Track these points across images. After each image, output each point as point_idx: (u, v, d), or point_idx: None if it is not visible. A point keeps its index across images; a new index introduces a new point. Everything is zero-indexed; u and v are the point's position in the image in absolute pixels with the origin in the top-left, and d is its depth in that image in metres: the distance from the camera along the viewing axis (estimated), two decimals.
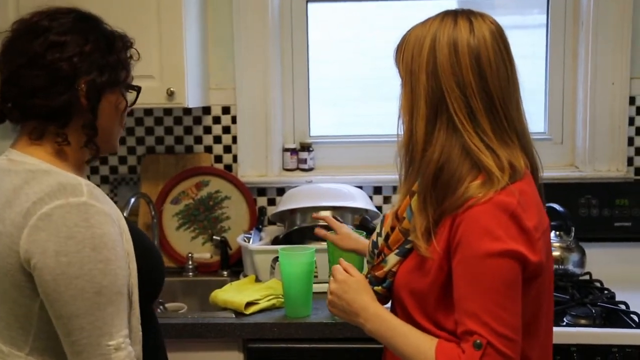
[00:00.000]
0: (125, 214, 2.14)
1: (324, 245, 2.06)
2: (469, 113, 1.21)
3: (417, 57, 1.24)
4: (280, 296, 1.96)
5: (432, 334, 1.23)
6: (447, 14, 1.26)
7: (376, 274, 1.35)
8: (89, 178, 1.38)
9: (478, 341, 1.14)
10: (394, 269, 1.32)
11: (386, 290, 1.34)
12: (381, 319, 1.27)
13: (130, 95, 1.31)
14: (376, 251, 1.38)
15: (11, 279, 1.14)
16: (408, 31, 1.29)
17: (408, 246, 1.29)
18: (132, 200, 2.24)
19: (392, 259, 1.32)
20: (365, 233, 1.84)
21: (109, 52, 1.23)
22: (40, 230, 1.10)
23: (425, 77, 1.22)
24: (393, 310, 1.35)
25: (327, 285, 1.95)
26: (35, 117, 1.20)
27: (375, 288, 1.35)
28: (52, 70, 1.18)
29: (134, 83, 1.32)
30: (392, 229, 1.34)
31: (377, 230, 1.40)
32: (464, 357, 1.15)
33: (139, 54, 1.31)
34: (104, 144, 1.26)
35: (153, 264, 1.34)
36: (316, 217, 2.01)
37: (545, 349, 1.30)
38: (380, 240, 1.37)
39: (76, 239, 1.10)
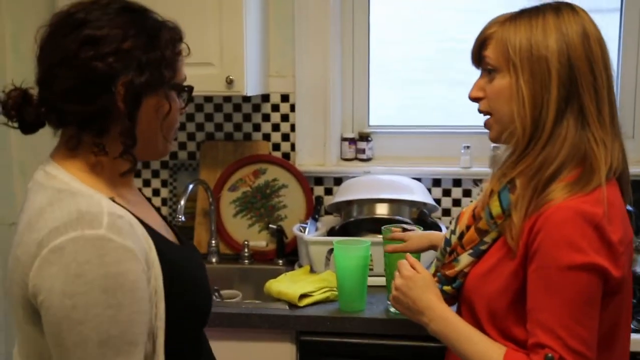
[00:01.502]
0: (183, 201, 2.17)
1: (379, 238, 2.03)
2: (597, 103, 1.19)
3: (541, 43, 1.18)
4: (335, 289, 1.94)
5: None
6: (550, 5, 1.23)
7: (446, 272, 1.31)
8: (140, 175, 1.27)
9: (550, 355, 1.09)
10: (465, 270, 1.28)
11: (455, 291, 1.31)
12: (447, 320, 1.24)
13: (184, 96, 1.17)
14: (448, 249, 1.34)
15: (23, 311, 1.04)
16: (495, 22, 1.25)
17: (483, 247, 1.25)
18: (191, 186, 2.25)
19: (465, 259, 1.28)
20: (422, 228, 1.79)
21: (151, 48, 1.07)
22: (50, 264, 0.97)
23: (558, 63, 1.18)
24: (459, 312, 1.31)
25: (382, 279, 1.95)
26: (72, 124, 1.08)
27: (444, 287, 1.31)
28: (86, 71, 1.04)
29: (187, 72, 1.17)
30: (468, 227, 1.29)
31: (452, 227, 1.36)
32: None
33: (189, 48, 1.16)
34: (144, 151, 1.12)
35: (199, 297, 1.19)
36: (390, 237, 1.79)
37: None
38: (454, 239, 1.33)
39: (85, 278, 0.96)
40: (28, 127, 1.12)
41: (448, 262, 1.32)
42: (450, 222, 1.39)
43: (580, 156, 1.18)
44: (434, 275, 1.35)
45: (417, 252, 1.69)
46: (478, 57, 1.29)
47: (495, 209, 1.22)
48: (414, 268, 1.32)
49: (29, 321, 1.04)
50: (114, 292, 0.97)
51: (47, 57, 1.08)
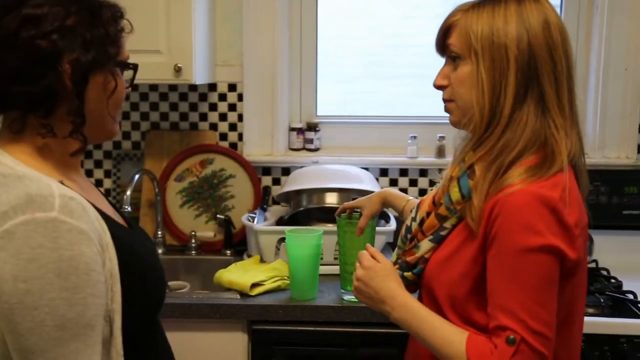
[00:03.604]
0: (129, 191, 2.12)
1: (330, 227, 2.05)
2: (556, 90, 1.20)
3: (501, 30, 1.20)
4: (286, 277, 1.95)
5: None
6: None
7: (407, 259, 1.32)
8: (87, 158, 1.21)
9: (511, 337, 1.11)
10: (426, 256, 1.29)
11: (416, 277, 1.32)
12: (408, 307, 1.24)
13: (127, 74, 1.16)
14: (409, 236, 1.35)
15: None
16: (458, 10, 1.26)
17: (443, 233, 1.27)
18: (137, 176, 2.21)
19: (426, 245, 1.29)
20: (376, 218, 1.81)
21: (94, 25, 1.06)
22: (0, 249, 0.95)
23: (517, 50, 1.19)
24: (420, 298, 1.32)
25: (331, 267, 1.97)
26: (15, 107, 1.04)
27: (405, 274, 1.32)
28: (29, 50, 1.01)
29: (135, 59, 1.16)
30: (428, 214, 1.30)
31: (412, 215, 1.37)
32: (496, 352, 1.12)
33: (131, 25, 1.15)
34: (94, 132, 1.10)
35: (154, 281, 1.18)
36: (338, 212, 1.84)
37: (576, 348, 1.29)
38: (415, 225, 1.33)
39: (39, 262, 0.94)
40: None
41: (409, 249, 1.33)
42: (411, 210, 1.41)
43: (541, 142, 1.20)
44: (395, 263, 1.36)
45: (375, 216, 1.73)
46: (442, 45, 1.30)
47: (455, 194, 1.24)
48: (374, 258, 1.32)
49: None
50: (68, 275, 0.95)
51: None
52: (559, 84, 1.21)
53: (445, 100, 1.31)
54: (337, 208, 2.08)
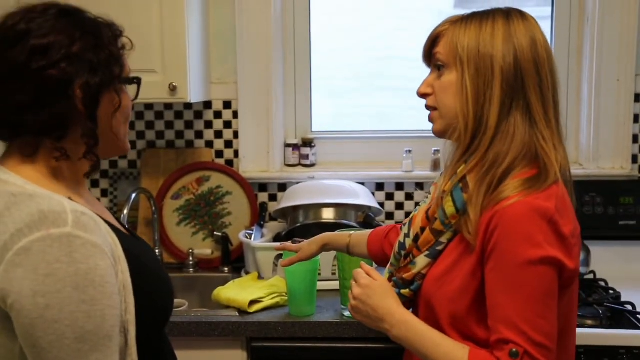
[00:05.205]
0: (126, 210, 2.13)
1: None
2: (542, 103, 1.22)
3: (488, 42, 1.21)
4: (284, 294, 1.94)
5: None
6: (500, 10, 1.26)
7: (403, 276, 1.31)
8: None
9: (514, 350, 1.12)
10: (423, 272, 1.29)
11: (413, 294, 1.31)
12: (408, 324, 1.24)
13: (131, 88, 1.19)
14: (403, 252, 1.34)
15: None
16: (447, 21, 1.28)
17: (439, 248, 1.26)
18: (133, 195, 2.21)
19: (422, 261, 1.28)
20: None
21: (98, 47, 1.09)
22: (17, 266, 0.97)
23: (502, 61, 1.21)
24: (417, 314, 1.31)
25: (329, 283, 1.97)
26: (29, 133, 1.07)
27: (402, 291, 1.32)
28: (40, 81, 1.04)
29: (133, 75, 1.19)
30: (423, 229, 1.30)
31: (405, 231, 1.36)
32: None
33: (131, 42, 1.18)
34: (108, 149, 1.15)
35: (163, 291, 1.20)
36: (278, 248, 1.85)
37: (572, 357, 1.29)
38: (409, 242, 1.33)
39: (56, 276, 0.97)
40: None
41: (404, 266, 1.32)
42: (402, 226, 1.40)
43: (532, 154, 1.21)
44: (389, 280, 1.35)
45: (310, 259, 1.71)
46: (429, 54, 1.31)
47: (449, 208, 1.24)
48: (370, 275, 1.31)
49: None
50: (85, 288, 0.98)
51: None
52: (545, 98, 1.22)
53: (427, 108, 1.32)
54: (334, 223, 2.11)
